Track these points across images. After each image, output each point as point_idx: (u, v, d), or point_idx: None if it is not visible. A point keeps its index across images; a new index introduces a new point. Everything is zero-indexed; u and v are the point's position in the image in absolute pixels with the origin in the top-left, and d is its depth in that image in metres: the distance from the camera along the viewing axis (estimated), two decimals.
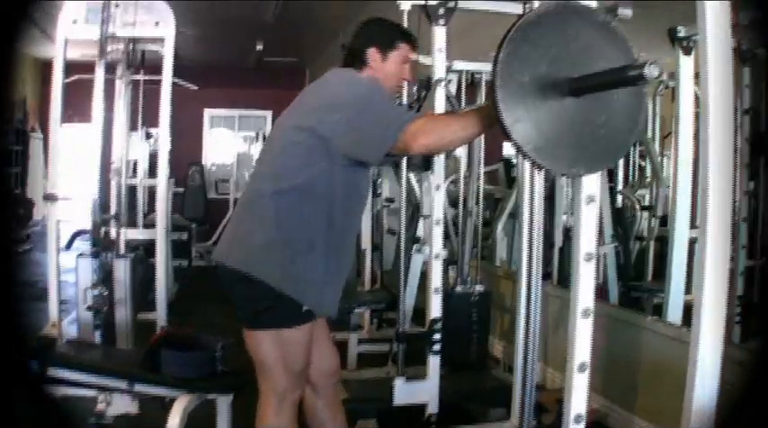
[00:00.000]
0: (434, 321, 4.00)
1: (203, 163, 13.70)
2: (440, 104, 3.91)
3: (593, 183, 2.24)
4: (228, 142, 14.55)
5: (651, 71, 1.79)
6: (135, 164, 8.65)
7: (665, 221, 5.45)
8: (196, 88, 9.67)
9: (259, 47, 13.34)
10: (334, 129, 2.72)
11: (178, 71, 5.80)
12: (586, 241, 2.29)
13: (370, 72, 2.97)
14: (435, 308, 4.02)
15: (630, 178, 6.95)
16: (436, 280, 3.96)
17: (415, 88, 4.16)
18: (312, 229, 2.78)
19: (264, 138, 13.49)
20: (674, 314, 4.44)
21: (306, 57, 16.41)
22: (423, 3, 3.81)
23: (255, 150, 13.77)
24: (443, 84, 3.91)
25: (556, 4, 2.08)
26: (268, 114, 13.92)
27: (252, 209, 2.89)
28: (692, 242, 4.48)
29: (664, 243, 5.16)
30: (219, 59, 14.41)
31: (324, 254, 2.81)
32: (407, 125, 2.58)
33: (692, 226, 4.56)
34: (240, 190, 13.43)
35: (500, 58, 1.97)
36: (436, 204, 3.90)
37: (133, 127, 7.57)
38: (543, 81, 2.03)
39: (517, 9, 3.76)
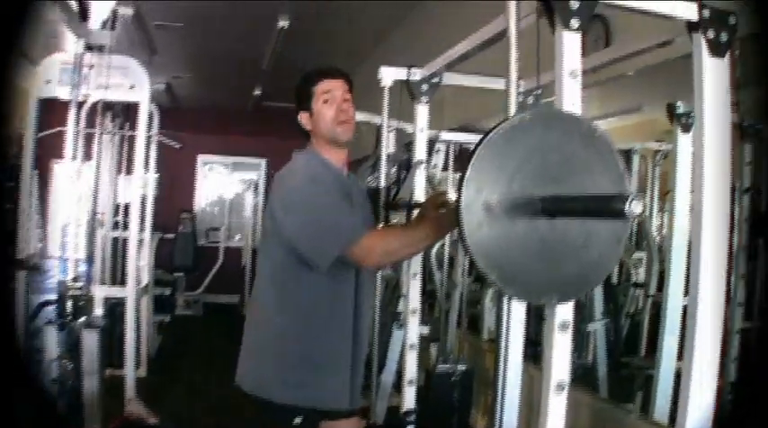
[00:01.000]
0: (407, 413, 3.76)
1: (195, 209, 13.52)
2: (420, 188, 3.68)
3: (567, 309, 2.01)
4: (221, 189, 14.36)
5: (633, 209, 1.57)
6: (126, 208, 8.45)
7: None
8: (179, 146, 9.50)
9: (257, 91, 13.27)
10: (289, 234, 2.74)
11: (171, 116, 5.69)
12: (558, 370, 2.05)
13: (314, 140, 2.94)
14: (409, 400, 3.77)
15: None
16: (411, 370, 3.72)
17: (394, 168, 3.95)
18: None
19: (256, 187, 13.39)
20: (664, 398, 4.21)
21: None
22: (404, 79, 3.57)
23: (249, 198, 13.59)
24: (423, 166, 3.68)
25: (535, 113, 1.87)
26: (263, 162, 13.76)
27: None
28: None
29: (658, 319, 4.97)
30: (216, 103, 14.34)
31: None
32: (360, 239, 2.57)
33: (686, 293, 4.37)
34: (231, 239, 13.30)
35: (466, 176, 1.76)
36: (412, 292, 3.66)
37: (127, 171, 7.40)
38: (515, 201, 1.81)
39: (503, 86, 3.56)
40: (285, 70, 12.10)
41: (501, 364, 2.10)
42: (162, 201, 11.38)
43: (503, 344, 2.09)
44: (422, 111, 3.63)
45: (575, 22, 2.05)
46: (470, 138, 5.47)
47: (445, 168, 5.95)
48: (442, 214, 2.65)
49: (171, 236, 11.95)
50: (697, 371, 2.22)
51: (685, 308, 4.03)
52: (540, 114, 1.89)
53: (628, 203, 1.57)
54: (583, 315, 5.25)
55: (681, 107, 4.12)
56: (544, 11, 2.08)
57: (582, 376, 5.03)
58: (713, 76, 2.31)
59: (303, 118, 2.93)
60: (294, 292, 2.79)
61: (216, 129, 14.03)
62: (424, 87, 3.59)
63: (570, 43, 2.05)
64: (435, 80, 3.58)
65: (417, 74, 3.59)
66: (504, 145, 1.80)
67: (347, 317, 2.87)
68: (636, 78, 4.55)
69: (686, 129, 4.20)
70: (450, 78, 3.61)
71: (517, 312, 3.39)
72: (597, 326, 5.36)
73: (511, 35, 2.06)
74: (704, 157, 2.28)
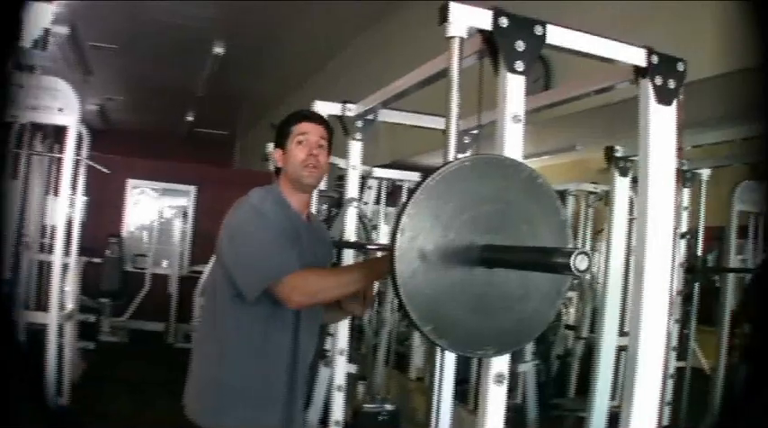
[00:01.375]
0: None
1: (123, 234, 13.24)
2: (351, 226, 3.58)
3: (503, 361, 1.92)
4: (150, 215, 14.08)
5: (579, 264, 1.49)
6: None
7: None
8: (107, 172, 9.31)
9: (189, 117, 13.13)
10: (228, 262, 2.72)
11: (103, 138, 5.51)
12: (493, 421, 1.95)
13: (281, 177, 2.91)
14: None
15: None
16: (338, 411, 3.56)
17: (324, 206, 3.84)
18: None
19: (185, 214, 13.19)
20: None
21: (236, 132, 16.28)
22: (339, 114, 3.46)
23: (177, 225, 13.37)
24: (356, 204, 3.58)
25: (474, 160, 1.79)
26: (192, 189, 13.53)
27: None
28: (621, 349, 4.20)
29: (588, 360, 4.94)
30: (148, 128, 14.16)
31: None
32: (285, 277, 2.54)
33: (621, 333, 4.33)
34: (158, 265, 13.05)
35: (401, 223, 1.67)
36: (340, 331, 3.54)
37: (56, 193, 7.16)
38: (452, 249, 1.73)
39: (440, 125, 3.48)
40: (218, 97, 12.06)
41: (434, 409, 2.00)
42: (90, 225, 11.18)
43: (435, 388, 1.98)
44: (355, 148, 3.53)
45: (519, 65, 1.99)
46: (404, 175, 5.38)
47: (377, 202, 5.85)
48: (378, 259, 2.65)
49: (98, 260, 11.68)
50: (637, 414, 2.18)
51: (620, 349, 4.04)
52: (480, 160, 1.81)
53: (572, 258, 1.49)
54: (513, 355, 5.20)
55: (619, 151, 4.09)
56: (488, 52, 2.02)
57: (512, 417, 4.97)
58: (659, 123, 2.27)
59: (276, 154, 2.92)
60: (229, 320, 2.76)
61: (147, 153, 13.78)
62: (359, 124, 3.49)
63: (514, 86, 1.98)
64: (370, 117, 3.47)
65: (352, 109, 3.49)
66: (441, 191, 1.72)
67: (283, 349, 2.81)
68: (570, 118, 4.56)
69: (623, 172, 4.17)
70: (386, 115, 3.50)
71: (449, 358, 3.34)
72: (528, 367, 5.31)
73: (453, 75, 1.98)
74: (648, 203, 2.24)
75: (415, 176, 5.28)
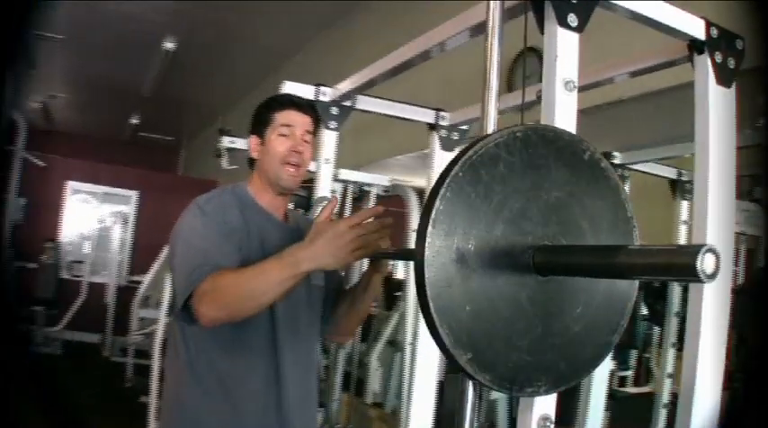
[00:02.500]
0: None
1: (60, 240, 12.62)
2: None
3: (550, 400, 1.45)
4: (90, 220, 13.44)
5: (706, 266, 1.03)
6: None
7: None
8: (43, 165, 8.78)
9: (134, 120, 12.64)
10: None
11: (43, 138, 5.02)
12: None
13: (257, 170, 2.40)
14: None
15: None
16: None
17: (290, 206, 3.35)
18: None
19: (126, 221, 12.64)
20: None
21: (182, 138, 15.79)
22: (312, 99, 2.94)
23: (117, 232, 12.77)
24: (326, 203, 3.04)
25: (523, 130, 1.31)
26: (134, 194, 12.95)
27: None
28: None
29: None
30: (91, 129, 13.63)
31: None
32: (201, 284, 1.98)
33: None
34: (97, 273, 12.45)
35: (432, 213, 1.20)
36: None
37: None
38: (498, 251, 1.26)
39: (428, 118, 3.04)
40: (165, 100, 11.56)
41: None
42: (25, 227, 10.61)
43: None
44: (329, 139, 3.02)
45: (573, 19, 1.56)
46: (375, 179, 4.89)
47: (341, 208, 5.30)
48: (308, 241, 1.94)
49: (33, 265, 11.10)
50: None
51: (612, 374, 3.65)
52: (533, 132, 1.33)
53: (699, 258, 1.03)
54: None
55: (617, 157, 3.67)
56: (531, 5, 1.59)
57: None
58: (719, 108, 1.89)
59: (252, 142, 2.42)
60: (181, 347, 2.24)
61: (89, 155, 13.19)
62: (334, 111, 2.99)
63: (566, 45, 1.56)
64: (347, 103, 2.99)
65: (327, 94, 2.98)
66: (486, 168, 1.25)
67: (255, 393, 2.21)
68: None
69: (622, 181, 3.76)
70: (364, 103, 3.04)
71: (426, 386, 2.88)
72: (500, 396, 4.86)
73: (493, 28, 1.51)
74: (708, 198, 1.85)
75: (385, 180, 4.81)
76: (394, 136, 5.68)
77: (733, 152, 1.90)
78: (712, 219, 1.83)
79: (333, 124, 3.00)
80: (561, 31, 1.54)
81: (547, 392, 1.34)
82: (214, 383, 2.17)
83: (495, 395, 4.80)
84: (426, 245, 1.19)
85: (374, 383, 5.69)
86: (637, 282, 1.46)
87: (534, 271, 1.29)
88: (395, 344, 5.51)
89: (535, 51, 4.17)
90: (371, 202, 4.83)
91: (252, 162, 2.43)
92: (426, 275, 1.19)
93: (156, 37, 8.40)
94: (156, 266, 8.44)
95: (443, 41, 2.21)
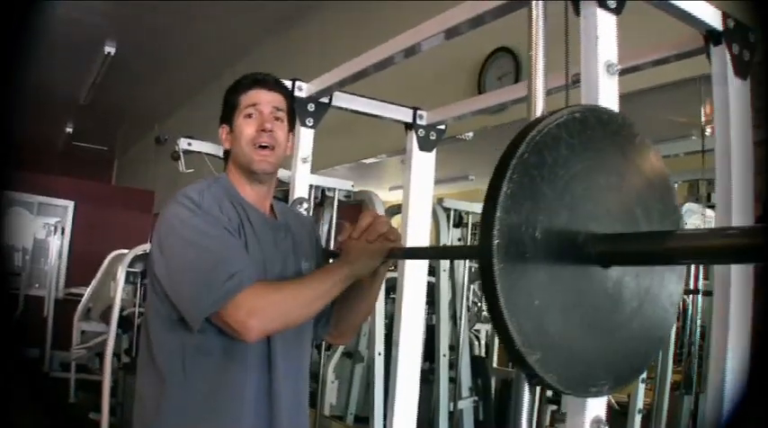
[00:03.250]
0: None
1: None
2: None
3: (602, 401, 1.36)
4: (24, 230, 13.08)
5: None
6: None
7: None
8: None
9: (69, 129, 12.36)
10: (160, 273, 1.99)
11: None
12: None
13: (232, 161, 2.21)
14: None
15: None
16: None
17: None
18: None
19: (63, 231, 12.33)
20: None
21: (116, 148, 15.55)
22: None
23: (54, 243, 12.45)
24: (306, 206, 2.90)
25: (581, 110, 1.23)
26: (70, 205, 12.65)
27: None
28: None
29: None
30: (24, 137, 13.29)
31: None
32: (237, 295, 1.84)
33: None
34: (33, 286, 12.13)
35: (501, 197, 1.10)
36: None
37: None
38: (562, 240, 1.17)
39: (406, 116, 2.94)
40: (102, 108, 11.33)
41: None
42: None
43: None
44: (306, 136, 2.85)
45: (611, 1, 1.48)
46: (339, 184, 4.76)
47: None
48: (351, 252, 2.02)
49: None
50: None
51: None
52: (590, 113, 1.24)
53: None
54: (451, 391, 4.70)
55: None
56: None
57: None
58: (738, 100, 1.83)
59: (223, 132, 2.25)
60: (164, 356, 2.03)
61: (21, 165, 12.85)
62: (311, 107, 2.83)
63: (606, 27, 1.47)
64: (324, 100, 2.85)
65: (304, 89, 2.82)
66: (550, 151, 1.16)
67: (246, 404, 2.02)
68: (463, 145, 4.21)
69: None
70: (342, 100, 2.91)
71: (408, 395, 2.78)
72: (466, 404, 4.78)
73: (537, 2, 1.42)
74: (732, 195, 1.78)
75: (348, 185, 4.70)
76: (357, 139, 5.61)
77: (750, 145, 1.85)
78: (737, 213, 1.77)
79: (309, 121, 2.84)
80: (601, 13, 1.46)
81: (609, 391, 1.25)
82: (202, 395, 1.99)
83: (461, 403, 4.73)
84: (495, 232, 1.09)
85: (331, 396, 5.56)
86: (683, 276, 1.39)
87: (595, 262, 1.21)
88: (352, 356, 5.41)
89: (509, 52, 4.17)
90: (334, 208, 4.71)
91: (227, 155, 2.26)
92: (495, 267, 1.08)
93: (95, 42, 8.20)
94: (97, 277, 8.20)
95: (424, 40, 2.16)
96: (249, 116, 2.16)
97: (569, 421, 1.37)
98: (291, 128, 2.29)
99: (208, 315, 1.87)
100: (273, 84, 2.24)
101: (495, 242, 1.09)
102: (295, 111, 2.35)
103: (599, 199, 1.23)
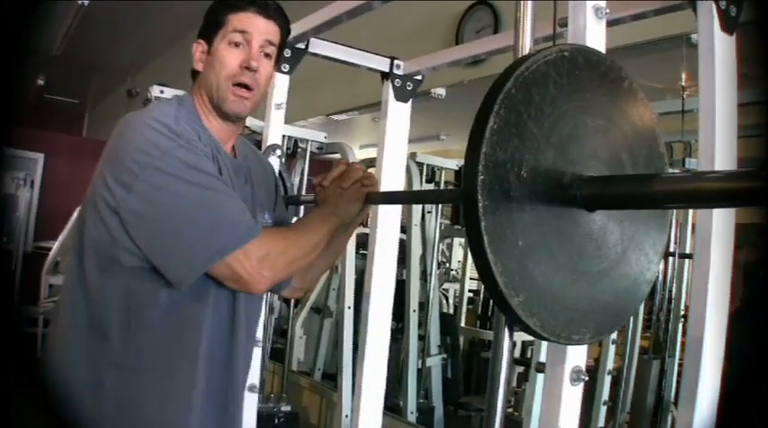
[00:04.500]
0: None
1: None
2: None
3: (582, 351, 1.33)
4: None
5: None
6: None
7: None
8: None
9: (40, 81, 12.20)
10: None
11: None
12: None
13: (200, 86, 1.89)
14: None
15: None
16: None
17: None
18: None
19: (32, 184, 12.19)
20: None
21: (87, 102, 15.35)
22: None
23: (24, 195, 12.31)
24: (279, 153, 2.83)
25: (570, 49, 1.19)
26: (40, 157, 12.49)
27: None
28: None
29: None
30: None
31: None
32: (249, 243, 1.64)
33: None
34: (1, 240, 12.01)
35: (487, 133, 1.06)
36: None
37: None
38: (548, 181, 1.14)
39: (382, 65, 2.90)
40: (75, 60, 11.16)
41: None
42: None
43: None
44: (281, 83, 2.80)
45: None
46: (310, 134, 4.67)
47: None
48: (340, 197, 1.91)
49: None
50: None
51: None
52: (578, 52, 1.20)
53: None
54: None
55: None
56: None
57: (418, 418, 4.45)
58: (725, 56, 1.78)
59: (198, 49, 1.91)
60: (115, 313, 1.74)
61: None
62: (287, 52, 2.71)
63: None
64: (301, 45, 2.77)
65: None
66: (538, 87, 1.12)
67: (214, 362, 1.84)
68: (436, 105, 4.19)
69: None
70: (318, 46, 2.84)
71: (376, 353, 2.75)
72: (434, 362, 4.77)
73: None
74: (716, 152, 1.73)
75: (320, 136, 4.63)
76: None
77: (735, 104, 1.82)
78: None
79: (285, 67, 2.77)
80: None
81: (590, 340, 1.22)
82: (152, 355, 1.76)
83: (430, 361, 4.73)
84: (480, 168, 1.05)
85: (299, 352, 5.53)
86: (667, 226, 1.37)
87: (581, 205, 1.17)
88: (321, 311, 5.39)
89: (487, 5, 4.12)
90: (306, 160, 4.64)
91: (195, 74, 1.94)
92: (480, 204, 1.05)
93: None
94: (65, 231, 8.11)
95: None
96: (235, 44, 1.84)
97: (549, 371, 1.34)
98: (278, 66, 2.07)
99: (212, 265, 1.65)
100: (273, 11, 1.90)
101: (480, 178, 1.05)
102: (285, 47, 2.05)
103: (586, 141, 1.20)
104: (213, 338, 1.81)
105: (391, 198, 2.39)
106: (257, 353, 2.30)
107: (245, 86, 1.84)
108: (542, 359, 1.42)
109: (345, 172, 1.92)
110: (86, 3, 8.02)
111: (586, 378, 1.32)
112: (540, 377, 1.44)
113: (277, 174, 2.33)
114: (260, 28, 1.86)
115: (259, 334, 2.29)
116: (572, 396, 1.32)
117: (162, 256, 1.67)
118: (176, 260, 1.65)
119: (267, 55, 1.89)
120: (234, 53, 1.84)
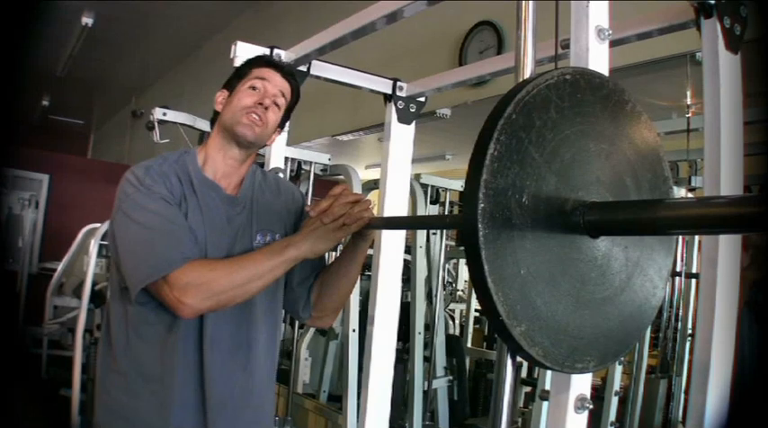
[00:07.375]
0: None
1: None
2: None
3: (586, 379, 1.31)
4: None
5: None
6: None
7: None
8: None
9: (45, 102, 12.24)
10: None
11: None
12: None
13: (217, 125, 2.17)
14: None
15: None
16: None
17: None
18: None
19: (37, 204, 12.19)
20: None
21: (92, 122, 15.42)
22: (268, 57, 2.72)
23: (29, 216, 12.32)
24: (281, 175, 2.81)
25: (572, 72, 1.17)
26: (45, 178, 12.50)
27: None
28: None
29: None
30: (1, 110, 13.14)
31: None
32: (171, 273, 1.85)
33: None
34: (6, 261, 11.99)
35: (487, 159, 1.04)
36: None
37: None
38: (551, 207, 1.12)
39: (385, 88, 2.89)
40: (79, 82, 11.21)
41: None
42: None
43: None
44: None
45: None
46: (313, 157, 4.67)
47: None
48: (303, 231, 1.97)
49: None
50: None
51: None
52: (580, 75, 1.18)
53: None
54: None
55: None
56: None
57: None
58: (730, 75, 1.79)
59: (219, 95, 2.21)
60: (119, 327, 2.08)
61: None
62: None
63: None
64: (303, 68, 2.78)
65: (282, 57, 2.74)
66: (539, 112, 1.11)
67: (181, 369, 2.03)
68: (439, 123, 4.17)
69: None
70: (320, 69, 2.86)
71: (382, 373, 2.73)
72: (440, 383, 4.74)
73: None
74: (721, 172, 1.75)
75: (324, 158, 4.62)
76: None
77: (740, 122, 1.81)
78: (725, 190, 1.73)
79: None
80: None
81: (595, 368, 1.20)
82: (143, 363, 2.05)
83: (436, 382, 4.70)
84: (480, 195, 1.03)
85: (304, 374, 5.51)
86: (673, 250, 1.34)
87: (584, 231, 1.15)
88: (326, 333, 5.36)
89: (491, 25, 4.12)
90: (310, 182, 4.63)
91: (213, 120, 2.21)
92: (480, 233, 1.03)
93: (72, 13, 8.07)
94: (70, 252, 8.10)
95: (405, 6, 2.11)
96: (253, 88, 2.13)
97: (553, 399, 1.32)
98: (282, 124, 2.26)
99: (142, 288, 1.90)
100: (288, 74, 2.23)
101: (481, 206, 1.03)
102: (292, 110, 2.28)
103: (588, 166, 1.18)
104: (186, 351, 2.02)
105: (393, 223, 2.39)
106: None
107: (257, 117, 2.10)
108: (547, 386, 1.40)
109: (331, 205, 1.89)
110: (90, 23, 8.04)
111: (591, 407, 1.29)
112: (545, 403, 1.42)
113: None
114: (276, 80, 2.17)
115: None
116: (577, 424, 1.30)
117: (125, 278, 1.97)
118: (127, 282, 1.95)
119: (278, 104, 2.17)
120: (251, 94, 2.13)
